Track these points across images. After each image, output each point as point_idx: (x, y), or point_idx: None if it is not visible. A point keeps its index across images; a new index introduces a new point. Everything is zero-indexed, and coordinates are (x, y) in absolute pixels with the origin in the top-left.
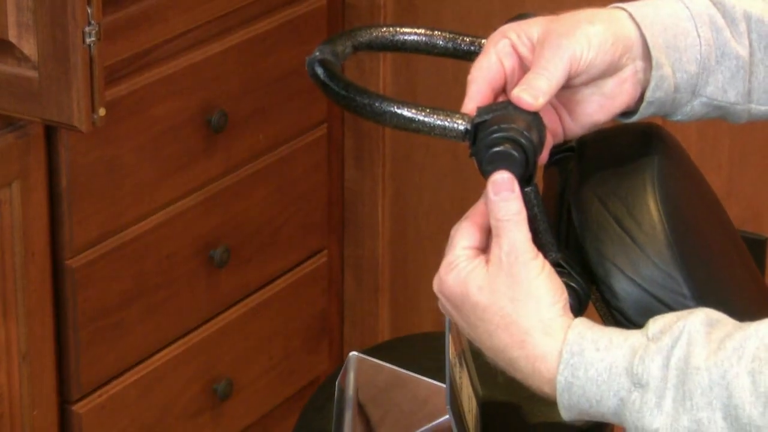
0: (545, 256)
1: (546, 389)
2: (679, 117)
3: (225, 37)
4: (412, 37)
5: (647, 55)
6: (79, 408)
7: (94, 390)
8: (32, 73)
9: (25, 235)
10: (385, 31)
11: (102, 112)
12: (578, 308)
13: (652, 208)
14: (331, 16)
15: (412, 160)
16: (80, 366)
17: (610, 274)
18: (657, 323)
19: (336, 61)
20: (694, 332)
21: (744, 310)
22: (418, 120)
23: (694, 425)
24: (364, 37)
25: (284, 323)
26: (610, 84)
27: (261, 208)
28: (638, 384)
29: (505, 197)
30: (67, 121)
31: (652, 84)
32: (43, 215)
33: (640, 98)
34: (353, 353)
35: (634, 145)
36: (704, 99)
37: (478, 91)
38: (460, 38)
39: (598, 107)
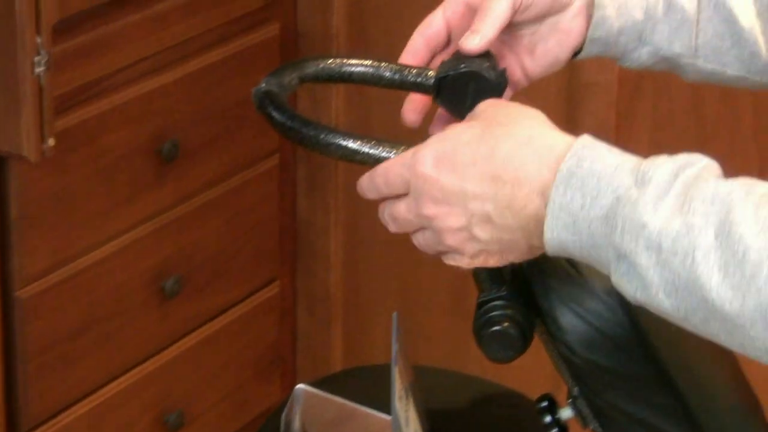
0: (491, 289)
1: (546, 189)
2: (628, 63)
3: (177, 67)
4: (359, 69)
5: None
6: None
7: (44, 422)
8: None
9: None
10: (332, 63)
11: (51, 141)
12: (523, 340)
13: None
14: (284, 46)
15: None
16: (29, 397)
17: (555, 307)
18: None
19: (282, 93)
20: (713, 165)
21: (686, 336)
22: (364, 152)
23: (684, 229)
24: (311, 68)
25: (236, 354)
26: (563, 19)
27: (213, 238)
28: (641, 182)
29: None
30: (16, 151)
31: (593, 22)
32: None
33: None
34: (299, 386)
35: None
36: (650, 48)
37: (412, 46)
38: (407, 70)
39: (556, 43)
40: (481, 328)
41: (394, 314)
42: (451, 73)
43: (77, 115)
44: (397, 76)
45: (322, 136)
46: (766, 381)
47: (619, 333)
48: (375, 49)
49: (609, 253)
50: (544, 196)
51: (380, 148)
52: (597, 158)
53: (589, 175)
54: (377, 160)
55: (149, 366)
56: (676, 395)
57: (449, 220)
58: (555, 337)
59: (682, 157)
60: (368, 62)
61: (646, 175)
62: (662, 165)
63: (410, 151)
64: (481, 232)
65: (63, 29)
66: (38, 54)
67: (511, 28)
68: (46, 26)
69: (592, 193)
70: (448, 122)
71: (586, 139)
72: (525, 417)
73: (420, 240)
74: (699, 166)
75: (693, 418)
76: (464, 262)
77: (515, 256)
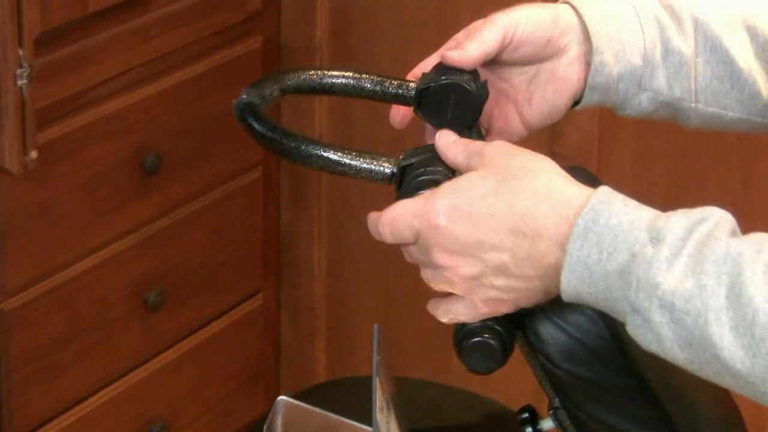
0: None
1: (565, 242)
2: (629, 111)
3: (160, 79)
4: (340, 80)
5: (589, 41)
6: None
7: None
8: None
9: None
10: (313, 74)
11: (34, 154)
12: (504, 352)
13: None
14: (267, 59)
15: (349, 201)
16: (13, 409)
17: (536, 319)
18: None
19: (263, 104)
20: (726, 219)
21: None
22: (345, 163)
23: (697, 290)
24: (292, 80)
25: (220, 366)
26: (560, 65)
27: (196, 250)
28: (656, 239)
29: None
30: None
31: (591, 69)
32: None
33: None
34: (281, 398)
35: None
36: (650, 93)
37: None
38: (388, 81)
39: (554, 91)
40: (461, 339)
41: (376, 326)
42: (432, 84)
43: (60, 127)
44: (378, 88)
45: (303, 147)
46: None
47: (600, 344)
48: (358, 62)
49: (624, 306)
50: (564, 248)
51: (361, 159)
52: (613, 214)
53: (606, 231)
54: (358, 171)
55: (133, 378)
56: (657, 407)
57: (462, 269)
58: (535, 349)
59: (697, 213)
60: (349, 74)
61: (661, 232)
62: (677, 222)
63: (420, 201)
64: (497, 281)
65: (46, 42)
66: (21, 66)
67: (507, 73)
68: (29, 39)
69: (609, 249)
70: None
71: (603, 194)
72: (507, 428)
73: (428, 276)
74: (712, 221)
75: (674, 429)
76: (473, 311)
77: (529, 302)
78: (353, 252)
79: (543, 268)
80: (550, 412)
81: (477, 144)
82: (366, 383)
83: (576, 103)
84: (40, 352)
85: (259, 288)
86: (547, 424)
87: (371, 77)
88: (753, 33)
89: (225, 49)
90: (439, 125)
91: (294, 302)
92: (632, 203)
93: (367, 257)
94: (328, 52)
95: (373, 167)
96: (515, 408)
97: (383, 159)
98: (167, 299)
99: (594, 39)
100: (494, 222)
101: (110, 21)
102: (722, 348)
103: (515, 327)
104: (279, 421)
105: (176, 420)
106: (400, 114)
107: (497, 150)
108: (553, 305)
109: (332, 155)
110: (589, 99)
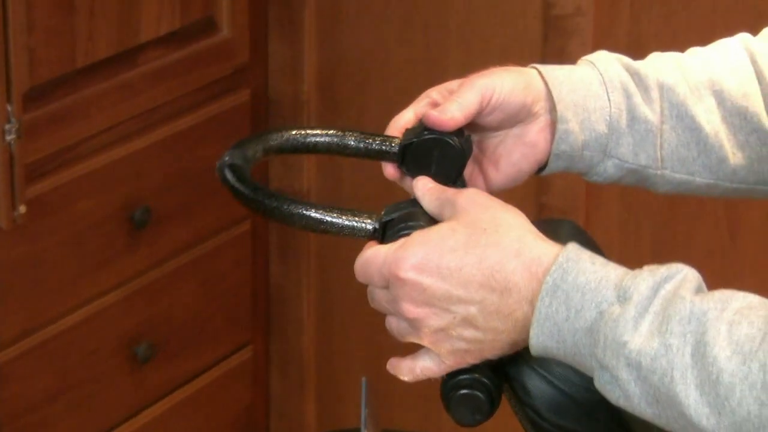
0: None
1: (534, 298)
2: (595, 177)
3: (148, 133)
4: (323, 139)
5: (555, 110)
6: None
7: None
8: None
9: None
10: (296, 134)
11: (23, 209)
12: (490, 404)
13: None
14: (255, 112)
15: (338, 254)
16: None
17: (522, 372)
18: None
19: (245, 165)
20: (692, 277)
21: None
22: (326, 221)
23: (662, 349)
24: (276, 140)
25: (210, 418)
26: (530, 132)
27: (185, 303)
28: (623, 298)
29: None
30: None
31: (556, 137)
32: None
33: None
34: None
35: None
36: (616, 160)
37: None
38: (371, 138)
39: (521, 156)
40: (448, 391)
41: (363, 379)
42: (415, 140)
43: (49, 182)
44: (361, 145)
45: (284, 206)
46: None
47: (587, 397)
48: (346, 115)
49: (592, 362)
50: (533, 304)
51: (342, 217)
52: (581, 272)
53: (574, 289)
54: (341, 229)
55: (123, 431)
56: None
57: (430, 320)
58: (522, 401)
59: (663, 271)
60: (332, 131)
61: (628, 291)
62: (643, 280)
63: (392, 248)
64: (464, 332)
65: (34, 97)
66: (9, 122)
67: (477, 136)
68: (17, 94)
69: (577, 306)
70: None
71: (571, 251)
72: None
73: (393, 325)
74: (678, 279)
75: None
76: (440, 364)
77: (494, 353)
78: (342, 304)
79: (511, 321)
80: None
81: (450, 192)
82: None
83: (542, 168)
84: (30, 406)
85: (248, 340)
86: None
87: (354, 135)
88: (720, 98)
89: (213, 103)
90: None
91: (283, 354)
92: (600, 261)
93: (356, 310)
94: (316, 105)
95: (355, 224)
96: None
97: (365, 215)
98: (157, 352)
99: (559, 107)
100: (463, 275)
101: (98, 76)
102: (688, 406)
103: (502, 379)
104: None
105: None
106: (391, 167)
107: (469, 200)
108: (540, 358)
109: (313, 214)
110: (555, 166)
